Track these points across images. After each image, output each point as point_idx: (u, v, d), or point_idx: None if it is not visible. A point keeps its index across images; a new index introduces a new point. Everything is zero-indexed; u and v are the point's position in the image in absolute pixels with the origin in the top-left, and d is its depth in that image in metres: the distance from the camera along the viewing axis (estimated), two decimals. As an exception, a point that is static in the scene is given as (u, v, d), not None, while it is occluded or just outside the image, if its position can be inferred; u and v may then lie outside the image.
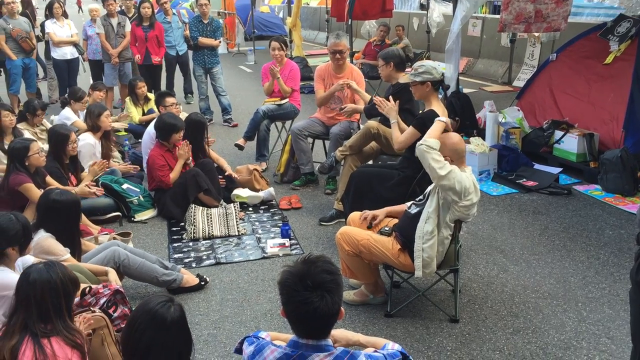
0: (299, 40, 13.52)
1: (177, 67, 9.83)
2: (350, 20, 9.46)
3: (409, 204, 3.76)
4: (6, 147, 5.14)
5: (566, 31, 7.22)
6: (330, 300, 1.99)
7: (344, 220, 4.77)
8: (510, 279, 4.19)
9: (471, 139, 6.44)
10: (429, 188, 3.61)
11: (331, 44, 5.84)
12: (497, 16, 11.47)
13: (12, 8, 8.78)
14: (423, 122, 4.09)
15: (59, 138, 5.11)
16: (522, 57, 11.43)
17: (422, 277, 3.52)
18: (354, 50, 10.41)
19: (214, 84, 8.76)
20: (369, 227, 3.84)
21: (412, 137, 4.22)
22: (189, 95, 10.33)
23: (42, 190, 4.57)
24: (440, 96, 5.60)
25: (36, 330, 2.51)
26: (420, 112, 4.51)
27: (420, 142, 3.47)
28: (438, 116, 3.96)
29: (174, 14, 9.66)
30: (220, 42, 8.93)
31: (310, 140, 6.22)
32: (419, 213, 3.53)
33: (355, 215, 4.00)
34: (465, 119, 7.24)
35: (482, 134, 6.94)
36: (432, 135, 3.57)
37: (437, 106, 4.17)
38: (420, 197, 3.71)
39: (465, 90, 8.26)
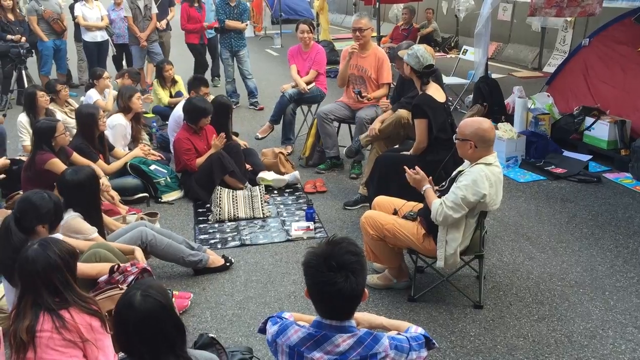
0: (326, 24, 13.45)
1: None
2: (378, 3, 9.36)
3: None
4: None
5: (599, 16, 7.04)
6: (355, 281, 2.00)
7: (368, 204, 4.76)
8: (536, 266, 4.15)
9: (499, 124, 6.35)
10: (454, 174, 3.58)
11: (352, 22, 5.87)
12: (528, 0, 11.26)
13: (43, -10, 8.90)
14: (421, 108, 4.31)
15: (87, 116, 5.18)
16: (553, 42, 11.21)
17: (445, 267, 3.50)
18: (381, 34, 10.32)
19: (241, 67, 8.77)
20: (395, 212, 3.83)
21: (423, 128, 4.34)
22: (216, 78, 10.37)
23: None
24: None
25: (50, 304, 2.52)
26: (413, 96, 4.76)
27: (433, 216, 3.38)
28: (431, 98, 4.28)
29: None
30: (247, 25, 8.93)
31: (336, 124, 6.21)
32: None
33: (380, 199, 4.00)
34: (493, 105, 7.15)
35: (510, 119, 6.85)
36: (431, 199, 3.47)
37: (434, 91, 4.36)
38: (443, 183, 3.68)
39: (494, 76, 8.15)
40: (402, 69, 4.84)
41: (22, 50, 8.33)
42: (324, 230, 4.80)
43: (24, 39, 8.51)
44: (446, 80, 8.53)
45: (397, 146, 5.20)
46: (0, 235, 3.08)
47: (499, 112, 7.06)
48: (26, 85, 8.09)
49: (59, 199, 3.30)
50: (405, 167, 3.73)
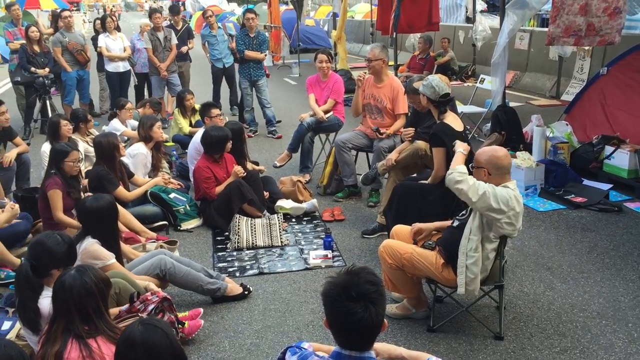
0: (344, 53, 13.59)
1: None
2: (395, 33, 9.46)
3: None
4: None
5: (617, 45, 7.05)
6: (374, 311, 2.00)
7: (386, 233, 4.77)
8: (557, 297, 4.09)
9: (517, 153, 6.34)
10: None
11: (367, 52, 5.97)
12: (545, 29, 11.30)
13: (68, 22, 9.16)
14: (438, 137, 4.34)
15: (107, 144, 5.27)
16: (571, 70, 11.20)
17: (465, 294, 3.48)
18: (398, 63, 10.40)
19: (259, 96, 8.89)
20: (415, 242, 3.82)
21: (441, 157, 4.38)
22: (235, 107, 10.50)
23: (76, 197, 4.86)
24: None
25: (80, 332, 2.56)
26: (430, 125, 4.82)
27: (450, 171, 3.46)
28: (448, 127, 4.27)
29: (219, 27, 9.87)
30: (265, 55, 9.07)
31: (353, 152, 6.24)
32: (461, 227, 3.51)
33: (398, 228, 4.00)
34: (511, 133, 7.14)
35: (528, 148, 6.82)
36: (457, 162, 3.54)
37: (452, 120, 4.38)
38: (464, 212, 3.68)
39: (512, 104, 8.15)
40: (416, 103, 4.89)
41: (46, 81, 8.53)
42: (342, 259, 4.79)
43: (47, 69, 8.71)
44: (463, 108, 8.56)
45: (414, 175, 5.20)
46: (18, 283, 3.08)
47: (517, 141, 7.05)
48: (50, 115, 8.26)
49: (72, 240, 3.32)
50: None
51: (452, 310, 3.85)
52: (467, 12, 15.90)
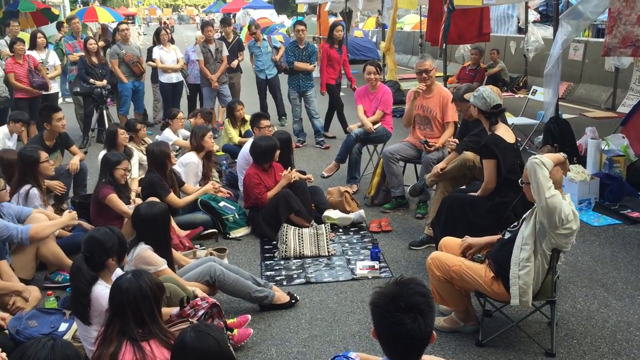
0: (393, 65, 13.56)
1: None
2: (445, 44, 9.40)
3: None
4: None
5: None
6: (423, 322, 1.99)
7: (434, 245, 4.72)
8: (612, 315, 3.96)
9: (571, 166, 6.18)
10: (526, 214, 3.51)
11: (416, 64, 5.96)
12: (601, 40, 11.01)
13: (125, 35, 9.49)
14: (490, 148, 4.28)
15: (160, 153, 5.43)
16: (628, 81, 10.86)
17: (518, 305, 3.41)
18: (447, 74, 10.32)
19: (308, 107, 8.97)
20: (464, 255, 3.78)
21: (492, 169, 4.31)
22: (283, 117, 10.61)
23: (125, 203, 5.04)
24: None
25: (134, 335, 2.65)
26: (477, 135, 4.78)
27: (536, 156, 3.37)
28: (500, 139, 4.25)
29: (264, 39, 10.03)
30: (314, 66, 9.16)
31: (401, 163, 6.22)
32: (513, 239, 3.45)
33: (446, 240, 3.96)
34: (564, 146, 6.96)
35: (582, 161, 6.65)
36: (549, 157, 3.45)
37: (503, 132, 4.33)
38: (515, 223, 3.62)
39: (565, 116, 7.97)
40: (463, 110, 4.87)
41: (104, 92, 8.85)
42: (389, 270, 4.77)
43: (105, 81, 9.03)
44: (514, 120, 8.41)
45: (463, 187, 5.15)
46: (72, 276, 3.25)
47: (570, 154, 6.83)
48: (106, 125, 8.55)
49: (121, 233, 3.47)
50: None
51: (502, 324, 3.78)
52: (518, 22, 15.65)
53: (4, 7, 26.96)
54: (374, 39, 20.48)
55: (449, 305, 3.79)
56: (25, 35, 14.74)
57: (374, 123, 6.75)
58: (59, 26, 13.36)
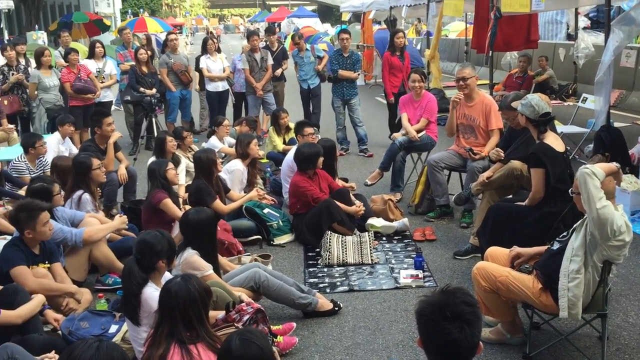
0: (437, 72, 13.47)
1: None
2: (491, 51, 9.28)
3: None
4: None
5: None
6: (470, 332, 1.97)
7: (479, 255, 4.66)
8: (666, 330, 3.83)
9: (623, 176, 6.00)
10: (576, 225, 3.43)
11: (456, 72, 5.88)
12: (655, 45, 10.66)
13: (174, 44, 9.72)
14: (538, 157, 4.20)
15: (206, 160, 5.52)
16: (684, 89, 10.49)
17: (568, 318, 3.33)
18: (494, 82, 10.19)
19: (352, 115, 8.99)
20: (511, 266, 3.72)
21: (540, 178, 4.22)
22: (315, 129, 10.56)
23: (178, 207, 5.16)
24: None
25: (183, 337, 2.72)
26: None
27: (587, 165, 3.30)
28: (549, 147, 4.17)
29: (307, 49, 10.06)
30: (358, 74, 9.17)
31: (446, 172, 6.17)
32: (562, 249, 3.37)
33: (493, 250, 3.90)
34: (616, 155, 6.76)
35: (635, 171, 6.45)
36: (602, 166, 3.35)
37: (552, 140, 4.25)
38: (565, 233, 3.54)
39: (617, 124, 7.74)
40: (511, 119, 4.80)
41: (153, 100, 9.08)
42: (433, 280, 4.73)
43: (154, 89, 9.27)
44: (563, 128, 8.23)
45: (510, 196, 5.06)
46: (124, 277, 3.35)
47: (622, 163, 6.65)
48: (155, 132, 8.76)
49: (170, 236, 3.56)
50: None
51: (550, 337, 3.69)
52: (568, 28, 15.33)
53: (58, 19, 28.02)
54: (419, 47, 20.37)
55: (495, 317, 3.74)
56: (79, 46, 15.30)
57: (418, 131, 6.72)
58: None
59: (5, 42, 13.22)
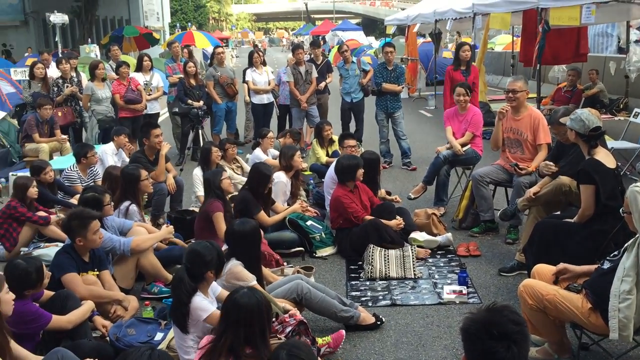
0: (483, 86, 13.32)
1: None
2: (539, 65, 9.14)
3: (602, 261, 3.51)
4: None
5: None
6: (517, 352, 1.93)
7: (525, 272, 4.57)
8: None
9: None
10: (627, 244, 3.33)
11: (507, 83, 5.83)
12: None
13: (221, 58, 9.92)
14: (588, 174, 4.09)
15: (262, 176, 5.59)
16: None
17: (618, 339, 3.23)
18: (541, 95, 10.02)
19: (395, 128, 8.97)
20: (555, 282, 3.64)
21: (590, 195, 4.11)
22: (359, 142, 10.52)
23: (231, 218, 5.12)
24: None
25: (240, 354, 2.72)
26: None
27: (637, 184, 3.20)
28: (599, 163, 4.04)
29: (353, 62, 10.02)
30: (402, 87, 9.15)
31: (491, 187, 6.08)
32: (613, 269, 3.28)
33: (540, 267, 3.82)
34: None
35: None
36: None
37: (603, 156, 4.14)
38: (615, 252, 3.44)
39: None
40: (561, 134, 4.70)
41: (200, 112, 9.27)
42: (478, 296, 4.66)
43: (201, 102, 9.47)
44: (614, 144, 8.01)
45: (558, 212, 4.95)
46: (174, 286, 3.43)
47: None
48: (201, 143, 8.93)
49: (220, 248, 3.61)
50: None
51: (600, 359, 3.58)
52: (619, 42, 14.96)
53: (110, 33, 28.93)
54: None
55: (542, 336, 3.65)
56: (129, 59, 15.76)
57: (463, 145, 6.65)
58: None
59: (60, 55, 13.76)
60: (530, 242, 4.52)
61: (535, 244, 4.38)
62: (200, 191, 6.21)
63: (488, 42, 14.80)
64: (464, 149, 6.62)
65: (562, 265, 3.64)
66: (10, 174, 7.23)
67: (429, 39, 18.78)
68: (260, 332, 2.77)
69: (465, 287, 4.72)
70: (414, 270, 5.10)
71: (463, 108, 6.77)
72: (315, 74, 9.78)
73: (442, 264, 5.35)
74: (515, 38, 17.06)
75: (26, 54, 19.43)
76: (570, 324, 3.51)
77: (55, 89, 9.03)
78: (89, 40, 26.71)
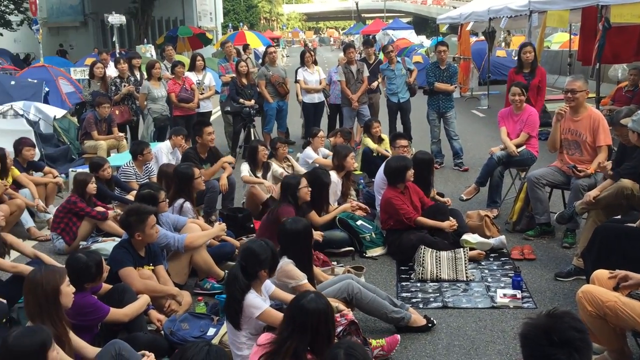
0: (538, 85, 12.99)
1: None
2: (598, 64, 8.85)
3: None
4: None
5: None
6: (579, 360, 1.88)
7: (583, 277, 4.43)
8: None
9: None
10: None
11: (566, 83, 5.64)
12: None
13: (273, 57, 10.01)
14: None
15: (321, 183, 5.61)
16: None
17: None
18: (600, 95, 9.69)
19: (447, 128, 8.85)
20: (615, 288, 3.50)
21: None
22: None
23: None
24: None
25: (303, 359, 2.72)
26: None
27: None
28: None
29: (398, 62, 9.92)
30: (455, 87, 9.01)
31: (547, 189, 5.92)
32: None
33: (600, 273, 3.68)
34: None
35: None
36: None
37: None
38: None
39: None
40: (623, 137, 4.54)
41: (252, 111, 9.38)
42: (533, 301, 4.53)
43: (253, 101, 9.58)
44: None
45: (619, 217, 4.78)
46: (228, 283, 3.47)
47: None
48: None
49: (275, 247, 3.64)
50: None
51: (663, 370, 3.44)
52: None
53: (165, 33, 29.63)
54: (516, 58, 19.74)
55: (602, 344, 3.52)
56: (183, 58, 16.10)
57: (518, 146, 6.50)
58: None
59: (117, 55, 14.19)
60: (590, 247, 4.37)
61: (595, 249, 4.24)
62: (244, 173, 6.47)
63: (544, 41, 14.42)
64: (519, 150, 6.47)
65: (623, 272, 3.51)
66: (70, 170, 7.48)
67: (482, 37, 18.45)
68: (326, 339, 2.74)
69: (519, 292, 4.61)
70: (466, 273, 5.01)
71: (518, 108, 6.61)
72: (366, 73, 9.74)
73: (495, 267, 5.25)
74: (572, 36, 16.56)
75: (93, 53, 20.04)
76: (632, 332, 3.38)
77: (113, 87, 9.30)
78: (145, 40, 27.44)
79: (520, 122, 6.59)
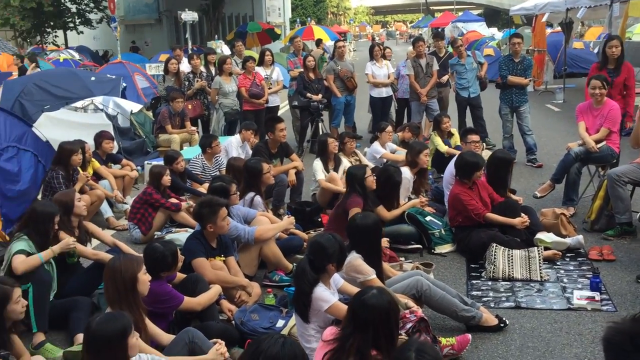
0: (618, 78, 12.38)
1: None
2: (687, 54, 8.32)
3: None
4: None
5: None
6: (669, 369, 1.77)
7: (670, 281, 4.20)
8: None
9: None
10: None
11: None
12: None
13: (341, 51, 10.00)
14: None
15: (393, 183, 5.59)
16: None
17: None
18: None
19: (520, 123, 8.57)
20: None
21: None
22: (487, 139, 10.16)
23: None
24: None
25: (368, 357, 2.70)
26: None
27: None
28: None
29: (468, 55, 9.67)
30: (529, 81, 8.71)
31: (629, 187, 5.63)
32: None
33: (688, 277, 3.48)
34: None
35: None
36: None
37: None
38: None
39: None
40: None
41: (320, 105, 9.42)
42: (612, 304, 4.33)
43: (320, 95, 9.60)
44: None
45: None
46: (296, 276, 3.50)
47: None
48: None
49: (343, 241, 3.63)
50: None
51: None
52: None
53: (235, 29, 30.20)
54: (596, 51, 18.87)
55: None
56: (253, 53, 16.35)
57: (598, 142, 6.21)
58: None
59: (190, 51, 14.57)
60: (676, 249, 4.13)
61: (682, 251, 4.01)
62: (320, 175, 6.42)
63: (626, 32, 13.73)
64: (599, 145, 6.18)
65: None
66: (146, 162, 7.75)
67: (557, 28, 17.76)
68: (388, 336, 2.71)
69: (598, 294, 4.42)
70: (540, 273, 4.84)
71: (599, 102, 6.31)
72: (436, 67, 9.57)
73: (571, 268, 5.05)
74: (657, 26, 15.68)
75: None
76: None
77: (187, 83, 9.56)
78: (216, 36, 28.04)
79: (601, 117, 6.30)
